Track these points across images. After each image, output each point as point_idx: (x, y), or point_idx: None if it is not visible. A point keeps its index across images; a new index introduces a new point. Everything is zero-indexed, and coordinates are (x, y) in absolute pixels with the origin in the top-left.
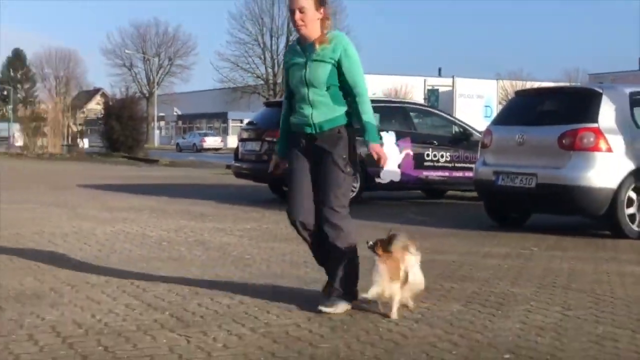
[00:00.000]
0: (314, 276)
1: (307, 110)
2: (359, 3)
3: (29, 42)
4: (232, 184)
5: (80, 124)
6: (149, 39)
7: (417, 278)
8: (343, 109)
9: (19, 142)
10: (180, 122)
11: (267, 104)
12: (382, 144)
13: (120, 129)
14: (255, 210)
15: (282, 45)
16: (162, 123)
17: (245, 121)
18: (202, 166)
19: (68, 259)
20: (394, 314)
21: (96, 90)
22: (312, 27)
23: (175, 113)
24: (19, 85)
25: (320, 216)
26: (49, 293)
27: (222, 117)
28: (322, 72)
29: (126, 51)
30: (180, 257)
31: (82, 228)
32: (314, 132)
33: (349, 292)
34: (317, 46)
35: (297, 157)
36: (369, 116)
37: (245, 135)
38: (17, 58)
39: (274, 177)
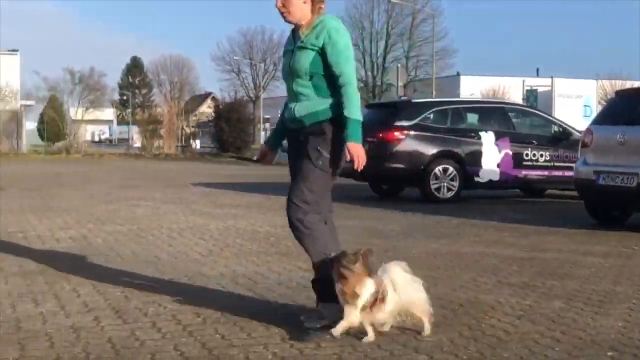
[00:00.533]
0: (415, 272)
1: (292, 103)
2: (456, 4)
3: (146, 50)
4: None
5: (192, 126)
6: (256, 45)
7: (403, 299)
8: (327, 101)
9: (137, 144)
10: None
11: (368, 106)
12: (358, 143)
13: (229, 131)
14: (355, 208)
15: (381, 49)
16: (268, 125)
17: None
18: None
19: (185, 253)
20: (369, 338)
21: (207, 95)
22: (297, 13)
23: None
24: (137, 91)
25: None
26: (168, 284)
27: None
28: (304, 59)
29: (234, 58)
30: (288, 252)
31: (197, 223)
32: (297, 127)
33: (330, 293)
34: (301, 32)
35: (291, 157)
36: (351, 110)
37: None
38: (135, 65)
39: (374, 176)
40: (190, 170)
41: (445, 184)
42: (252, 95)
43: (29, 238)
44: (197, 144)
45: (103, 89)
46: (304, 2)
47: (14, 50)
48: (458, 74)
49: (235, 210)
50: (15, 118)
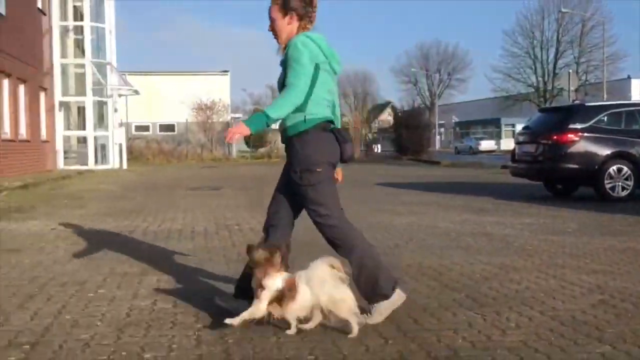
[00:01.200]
0: (594, 267)
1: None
2: (626, 6)
3: None
4: (508, 182)
5: (374, 132)
6: (431, 57)
7: (319, 297)
8: (295, 116)
9: None
10: (457, 128)
11: (541, 110)
12: (246, 126)
13: (408, 136)
14: (531, 206)
15: (551, 55)
16: (442, 129)
17: (518, 126)
18: (478, 167)
19: (374, 245)
20: (235, 320)
21: (386, 104)
22: (282, 34)
23: (453, 120)
24: None
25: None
26: None
27: (496, 122)
28: (280, 78)
29: (412, 69)
30: (467, 247)
31: (383, 220)
32: (282, 142)
33: (374, 293)
34: (282, 52)
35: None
36: (270, 106)
37: (521, 138)
38: None
39: (549, 176)
40: (374, 172)
41: (619, 183)
42: (427, 103)
43: (244, 230)
44: (378, 148)
45: None
46: (288, 24)
47: (225, 71)
48: (629, 77)
49: (416, 208)
50: (227, 128)
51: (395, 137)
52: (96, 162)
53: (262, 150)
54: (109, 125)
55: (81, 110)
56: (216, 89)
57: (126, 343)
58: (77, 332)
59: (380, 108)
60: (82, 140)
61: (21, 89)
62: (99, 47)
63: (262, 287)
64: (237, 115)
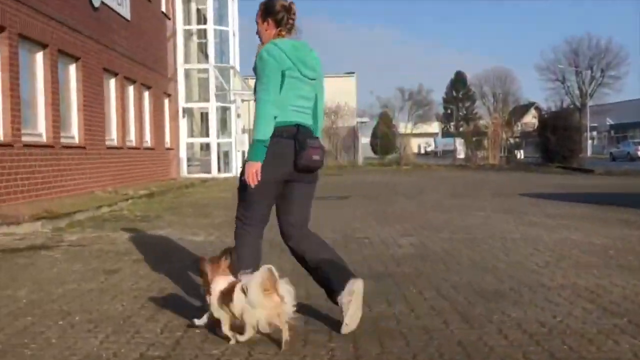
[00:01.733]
0: None
1: None
2: None
3: (469, 64)
4: None
5: (516, 137)
6: (581, 53)
7: (250, 304)
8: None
9: (461, 155)
10: (612, 132)
11: None
12: (252, 162)
13: (555, 140)
14: None
15: None
16: (594, 133)
17: None
18: (638, 175)
19: (522, 262)
20: (200, 320)
21: (530, 105)
22: (264, 40)
23: (607, 123)
24: (460, 104)
25: None
26: (509, 292)
27: None
28: (255, 82)
29: (559, 66)
30: (629, 266)
31: (530, 234)
32: None
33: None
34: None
35: None
36: (254, 132)
37: None
38: (458, 80)
39: None
40: (517, 180)
41: None
42: (577, 103)
43: (374, 243)
44: (521, 153)
45: (430, 104)
46: (266, 30)
47: (350, 73)
48: None
49: (566, 221)
50: (352, 133)
51: (541, 142)
52: (219, 170)
53: (389, 157)
54: (232, 131)
55: (204, 117)
56: (342, 92)
57: None
58: (207, 347)
59: (523, 110)
60: (205, 148)
61: (146, 95)
62: (221, 51)
63: (208, 292)
64: (364, 119)
